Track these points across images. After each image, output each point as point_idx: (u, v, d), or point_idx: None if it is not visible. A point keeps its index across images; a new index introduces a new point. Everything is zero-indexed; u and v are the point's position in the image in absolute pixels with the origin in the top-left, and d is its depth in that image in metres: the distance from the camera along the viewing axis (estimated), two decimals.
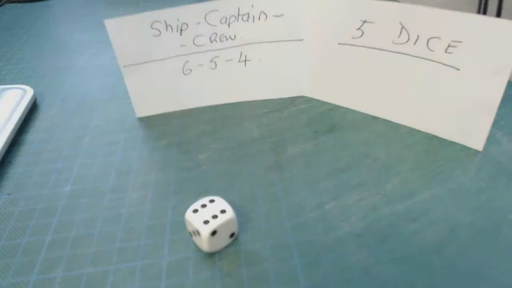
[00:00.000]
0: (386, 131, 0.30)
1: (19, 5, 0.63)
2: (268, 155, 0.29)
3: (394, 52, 0.28)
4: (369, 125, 0.31)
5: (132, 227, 0.24)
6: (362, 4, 0.28)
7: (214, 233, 0.21)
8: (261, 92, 0.35)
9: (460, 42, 0.25)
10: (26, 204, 0.26)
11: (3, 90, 0.36)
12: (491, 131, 0.28)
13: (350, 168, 0.27)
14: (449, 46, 0.26)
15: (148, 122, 0.33)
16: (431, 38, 0.26)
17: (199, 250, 0.22)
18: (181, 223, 0.24)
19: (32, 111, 0.36)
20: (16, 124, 0.33)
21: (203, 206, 0.22)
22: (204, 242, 0.21)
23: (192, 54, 0.32)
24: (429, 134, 0.29)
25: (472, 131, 0.27)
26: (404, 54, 0.28)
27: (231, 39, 0.32)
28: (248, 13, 0.31)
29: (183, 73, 0.33)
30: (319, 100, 0.34)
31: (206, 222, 0.21)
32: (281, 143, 0.30)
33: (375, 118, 0.31)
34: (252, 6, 0.30)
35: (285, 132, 0.31)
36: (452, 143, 0.28)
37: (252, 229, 0.23)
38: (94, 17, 0.57)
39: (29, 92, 0.36)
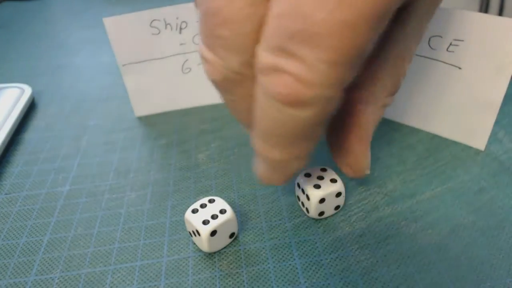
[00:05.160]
0: (387, 130, 0.30)
1: (17, 3, 0.63)
2: None
3: None
4: None
5: (131, 227, 0.24)
6: None
7: (213, 233, 0.21)
8: None
9: (462, 40, 0.25)
10: (24, 203, 0.26)
11: (0, 89, 0.36)
12: (493, 130, 0.28)
13: None
14: (450, 44, 0.26)
15: (147, 121, 0.33)
16: (433, 36, 0.26)
17: (198, 250, 0.22)
18: (181, 223, 0.24)
19: (30, 110, 0.36)
20: (14, 123, 0.32)
21: (203, 206, 0.22)
22: (203, 242, 0.21)
23: (192, 53, 0.32)
24: (430, 133, 0.29)
25: (474, 130, 0.27)
26: None
27: None
28: None
29: (183, 72, 0.32)
30: None
31: (205, 222, 0.21)
32: None
33: None
34: None
35: None
36: (454, 143, 0.28)
37: (252, 229, 0.23)
38: (93, 15, 0.56)
39: (27, 90, 0.36)
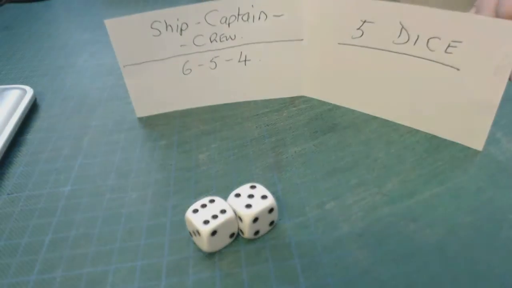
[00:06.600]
0: (386, 131, 0.30)
1: (19, 5, 0.63)
2: (268, 155, 0.29)
3: (394, 52, 0.28)
4: (369, 125, 0.31)
5: (132, 227, 0.24)
6: (362, 4, 0.28)
7: (214, 233, 0.21)
8: (261, 92, 0.35)
9: (460, 42, 0.25)
10: (26, 204, 0.26)
11: (3, 90, 0.36)
12: (491, 131, 0.28)
13: (350, 168, 0.27)
14: (449, 46, 0.26)
15: (148, 122, 0.33)
16: (431, 38, 0.26)
17: (199, 250, 0.22)
18: (181, 223, 0.24)
19: (32, 111, 0.36)
20: (16, 124, 0.33)
21: (203, 206, 0.22)
22: (204, 242, 0.21)
23: (192, 54, 0.32)
24: (429, 134, 0.29)
25: (472, 131, 0.27)
26: (404, 54, 0.28)
27: (231, 39, 0.32)
28: (248, 13, 0.31)
29: (183, 73, 0.33)
30: (319, 100, 0.34)
31: (206, 222, 0.21)
32: (281, 143, 0.30)
33: (375, 118, 0.31)
34: (252, 6, 0.30)
35: (285, 132, 0.31)
36: (452, 143, 0.28)
37: None
38: (94, 17, 0.57)
39: (29, 92, 0.36)
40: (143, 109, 0.34)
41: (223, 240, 0.22)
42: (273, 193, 0.25)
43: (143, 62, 0.31)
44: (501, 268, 0.20)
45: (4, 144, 0.30)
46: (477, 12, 0.31)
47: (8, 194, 0.27)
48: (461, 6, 0.39)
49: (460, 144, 0.28)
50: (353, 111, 0.32)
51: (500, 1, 0.32)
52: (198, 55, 0.32)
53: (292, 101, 0.34)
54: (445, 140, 0.29)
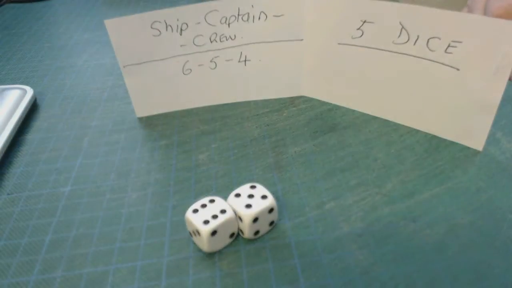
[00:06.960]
0: (386, 131, 0.30)
1: (19, 5, 0.63)
2: (268, 155, 0.29)
3: (394, 52, 0.28)
4: (369, 125, 0.31)
5: (132, 227, 0.24)
6: (362, 4, 0.28)
7: (214, 233, 0.21)
8: (261, 92, 0.35)
9: (460, 42, 0.25)
10: (26, 204, 0.26)
11: (3, 90, 0.36)
12: (491, 131, 0.28)
13: (350, 168, 0.27)
14: (449, 46, 0.26)
15: (148, 122, 0.33)
16: (431, 38, 0.26)
17: (199, 250, 0.22)
18: (181, 223, 0.24)
19: (32, 111, 0.36)
20: (16, 124, 0.33)
21: (203, 206, 0.22)
22: (204, 242, 0.21)
23: (192, 54, 0.32)
24: (429, 134, 0.29)
25: (472, 131, 0.27)
26: (404, 54, 0.28)
27: (231, 39, 0.32)
28: (248, 13, 0.31)
29: (183, 73, 0.33)
30: (319, 100, 0.34)
31: (206, 222, 0.21)
32: (281, 143, 0.30)
33: (375, 118, 0.31)
34: (252, 6, 0.30)
35: (285, 132, 0.31)
36: (452, 143, 0.28)
37: None
38: (94, 17, 0.57)
39: (29, 92, 0.36)
40: (143, 109, 0.34)
41: (223, 240, 0.22)
42: (273, 193, 0.25)
43: (143, 62, 0.31)
44: (501, 268, 0.20)
45: (4, 144, 0.30)
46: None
47: (8, 194, 0.27)
48: (461, 6, 0.39)
49: (460, 144, 0.28)
50: (353, 111, 0.33)
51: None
52: (198, 55, 0.32)
53: (292, 101, 0.34)
54: (445, 140, 0.29)
